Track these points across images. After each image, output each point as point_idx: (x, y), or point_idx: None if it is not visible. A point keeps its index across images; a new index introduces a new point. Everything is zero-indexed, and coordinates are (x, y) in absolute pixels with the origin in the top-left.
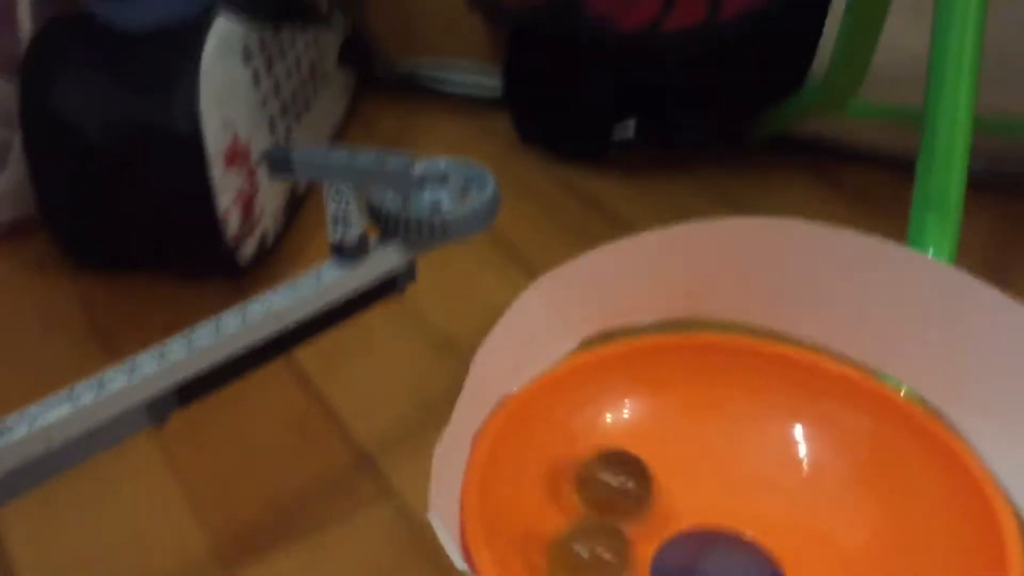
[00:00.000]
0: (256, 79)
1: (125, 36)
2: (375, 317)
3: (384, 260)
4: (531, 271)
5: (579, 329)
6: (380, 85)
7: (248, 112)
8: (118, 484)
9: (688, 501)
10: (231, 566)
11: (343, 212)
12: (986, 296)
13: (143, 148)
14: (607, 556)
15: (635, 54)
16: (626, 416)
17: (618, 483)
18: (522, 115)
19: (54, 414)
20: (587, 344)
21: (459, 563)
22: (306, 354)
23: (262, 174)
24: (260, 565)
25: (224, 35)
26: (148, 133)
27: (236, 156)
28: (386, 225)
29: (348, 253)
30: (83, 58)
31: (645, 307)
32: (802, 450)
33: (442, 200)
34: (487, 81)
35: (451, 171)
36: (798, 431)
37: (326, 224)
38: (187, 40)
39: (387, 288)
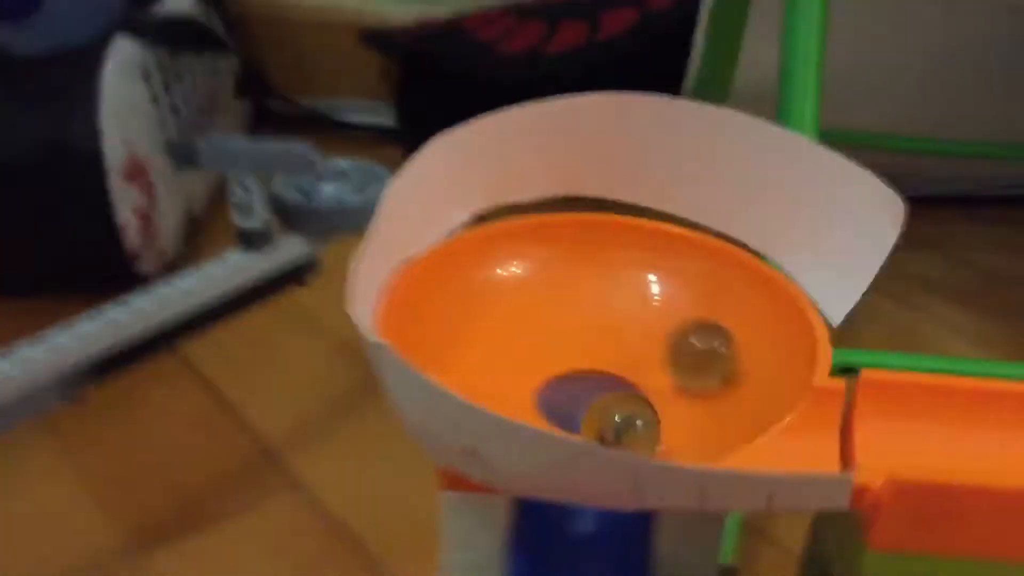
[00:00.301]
0: (155, 99)
1: (25, 60)
2: (273, 322)
3: (288, 250)
4: None
5: (471, 202)
6: (277, 119)
7: (147, 130)
8: (21, 485)
9: (565, 346)
10: (139, 554)
11: (246, 201)
12: (822, 157)
13: (45, 164)
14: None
15: (519, 82)
16: (514, 273)
17: None
18: (415, 147)
19: None
20: (478, 219)
21: (367, 333)
22: (207, 358)
23: (160, 192)
24: (170, 553)
25: (123, 55)
26: (49, 149)
27: (135, 172)
28: (290, 217)
29: (253, 241)
30: None
31: (530, 184)
32: (655, 290)
33: (343, 193)
34: (382, 115)
35: (350, 169)
36: (652, 278)
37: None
38: (87, 60)
39: (290, 279)
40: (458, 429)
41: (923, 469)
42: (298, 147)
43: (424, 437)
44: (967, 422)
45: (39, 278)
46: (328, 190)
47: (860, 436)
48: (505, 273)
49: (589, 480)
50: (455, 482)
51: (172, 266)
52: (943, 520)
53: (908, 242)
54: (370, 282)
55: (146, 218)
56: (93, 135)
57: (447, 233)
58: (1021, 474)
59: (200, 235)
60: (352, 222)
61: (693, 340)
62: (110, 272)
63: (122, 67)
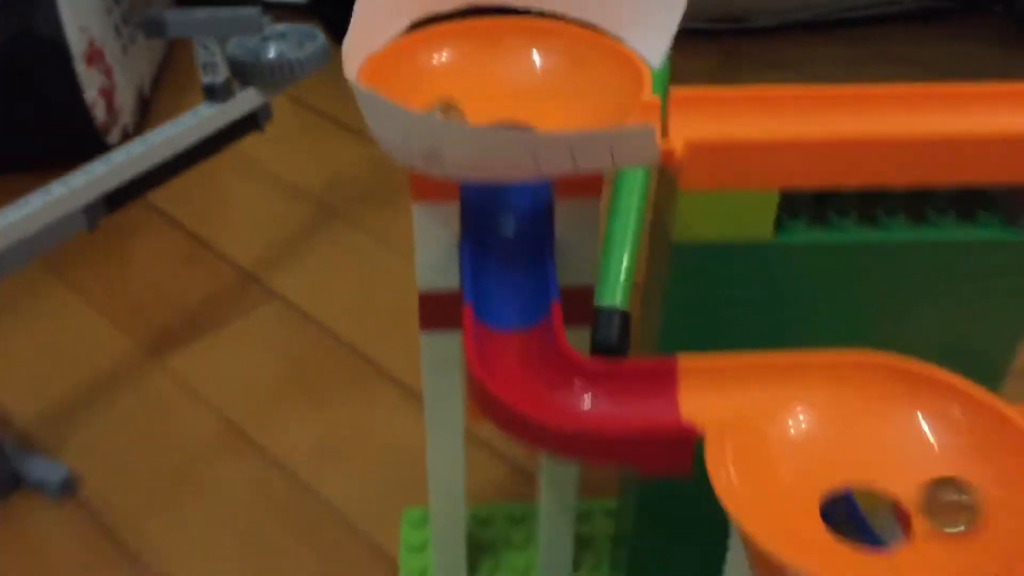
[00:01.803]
0: None
1: None
2: (225, 173)
3: (246, 100)
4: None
5: (410, 12)
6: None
7: (98, 19)
8: (41, 316)
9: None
10: (155, 358)
11: (210, 60)
12: None
13: (17, 56)
14: None
15: None
16: (443, 61)
17: None
18: (330, 19)
19: (7, 217)
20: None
21: (350, 73)
22: (176, 206)
23: (117, 73)
24: (181, 355)
25: None
26: (19, 42)
27: (94, 56)
28: (244, 74)
29: (218, 95)
30: None
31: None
32: (539, 63)
33: (286, 51)
34: None
35: (288, 31)
36: (536, 53)
37: (198, 76)
38: None
39: (250, 124)
40: (421, 136)
41: (712, 135)
42: (247, 11)
43: (396, 151)
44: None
45: (21, 156)
46: (273, 49)
47: (672, 128)
48: (437, 61)
49: (497, 156)
50: (422, 194)
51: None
52: (727, 168)
53: (766, 64)
54: (350, 68)
55: (108, 96)
56: (57, 25)
57: (395, 35)
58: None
59: (150, 111)
60: (295, 74)
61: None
62: (84, 147)
63: None
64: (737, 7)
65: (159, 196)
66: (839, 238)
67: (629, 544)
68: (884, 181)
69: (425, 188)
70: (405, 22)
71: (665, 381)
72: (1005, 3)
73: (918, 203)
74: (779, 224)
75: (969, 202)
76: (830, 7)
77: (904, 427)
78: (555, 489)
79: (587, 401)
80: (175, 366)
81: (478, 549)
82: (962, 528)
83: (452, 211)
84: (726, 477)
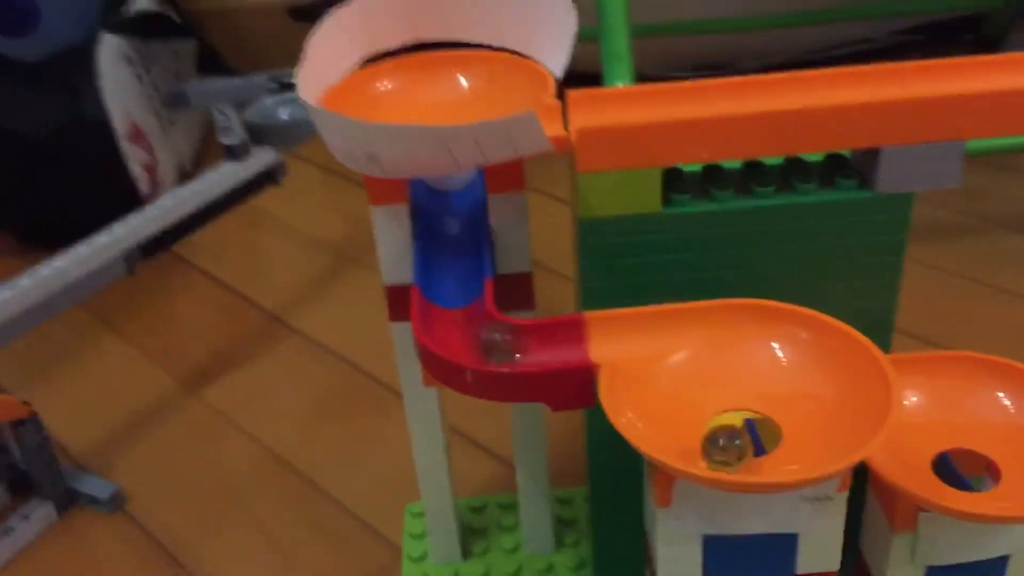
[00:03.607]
0: (140, 79)
1: (31, 64)
2: (262, 235)
3: (261, 157)
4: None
5: (358, 50)
6: None
7: (138, 103)
8: (86, 358)
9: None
10: (194, 391)
11: (227, 124)
12: None
13: (68, 139)
14: None
15: None
16: (392, 90)
17: None
18: None
19: (51, 267)
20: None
21: (305, 96)
22: (215, 266)
23: (158, 149)
24: (216, 388)
25: (110, 48)
26: (70, 127)
27: (136, 135)
28: (260, 135)
29: (236, 154)
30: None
31: (391, 37)
32: (465, 84)
33: (295, 111)
34: None
35: (297, 96)
36: (462, 76)
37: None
38: (84, 55)
39: (267, 179)
40: (359, 139)
41: (600, 122)
42: (258, 79)
43: (344, 155)
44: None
45: (72, 229)
46: (285, 111)
47: (571, 121)
48: (383, 88)
49: (420, 151)
50: (377, 198)
51: None
52: (614, 150)
53: None
54: (306, 93)
55: (151, 170)
56: (101, 110)
57: (349, 69)
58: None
59: None
60: (306, 133)
61: None
62: None
63: (112, 57)
64: (720, 53)
65: (199, 255)
66: (720, 207)
67: (591, 501)
68: (753, 153)
69: (379, 193)
70: (357, 58)
71: (577, 332)
72: (972, 31)
73: (787, 175)
74: (668, 199)
75: (831, 170)
76: (810, 47)
77: (765, 353)
78: (530, 475)
79: (516, 352)
80: (212, 398)
81: (472, 533)
82: (733, 466)
83: (404, 211)
84: (615, 403)
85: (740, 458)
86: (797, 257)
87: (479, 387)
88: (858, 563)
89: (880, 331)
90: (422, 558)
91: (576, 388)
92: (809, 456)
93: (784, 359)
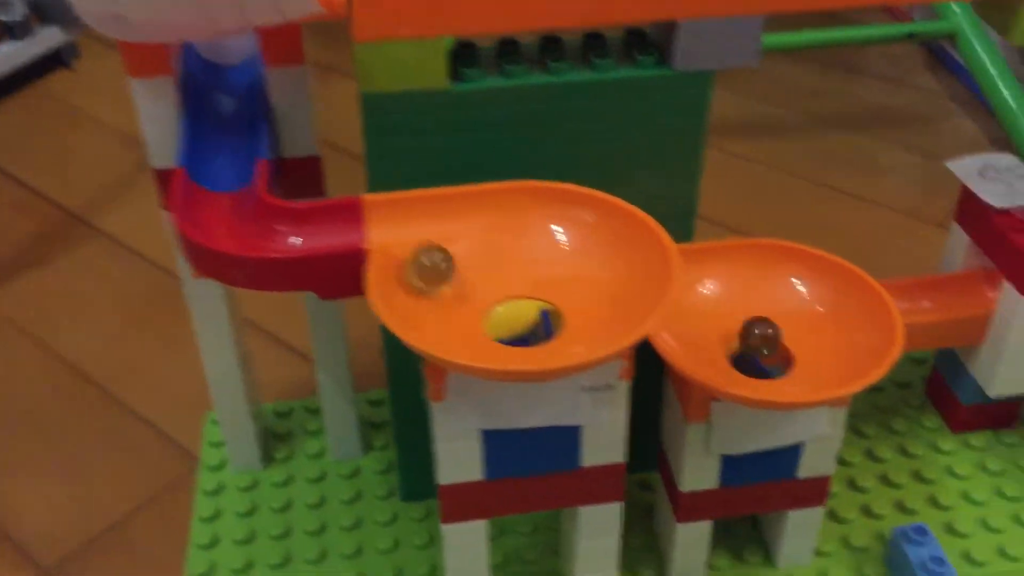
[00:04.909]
0: None
1: None
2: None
3: (48, 37)
4: None
5: None
6: None
7: None
8: None
9: None
10: None
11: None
12: None
13: None
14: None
15: None
16: None
17: None
18: None
19: None
20: None
21: None
22: (6, 157)
23: None
24: (7, 295)
25: None
26: None
27: None
28: (47, 13)
29: (16, 32)
30: None
31: None
32: None
33: None
34: None
35: None
36: None
37: None
38: None
39: (54, 62)
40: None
41: None
42: None
43: (92, 18)
44: None
45: None
46: None
47: None
48: None
49: (171, 12)
50: (138, 70)
51: None
52: (390, 16)
53: None
54: None
55: None
56: None
57: None
58: None
59: None
60: None
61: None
62: None
63: None
64: None
65: None
66: (512, 83)
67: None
68: (545, 22)
69: (139, 63)
70: None
71: (353, 217)
72: None
73: (585, 50)
74: (458, 74)
75: (629, 47)
76: None
77: (548, 237)
78: (331, 376)
79: (286, 237)
80: (16, 297)
81: (277, 439)
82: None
83: (170, 85)
84: (384, 291)
85: (439, 279)
86: (597, 139)
87: (244, 276)
88: (660, 455)
89: (683, 218)
90: (220, 467)
91: (348, 275)
92: (589, 341)
93: (567, 243)
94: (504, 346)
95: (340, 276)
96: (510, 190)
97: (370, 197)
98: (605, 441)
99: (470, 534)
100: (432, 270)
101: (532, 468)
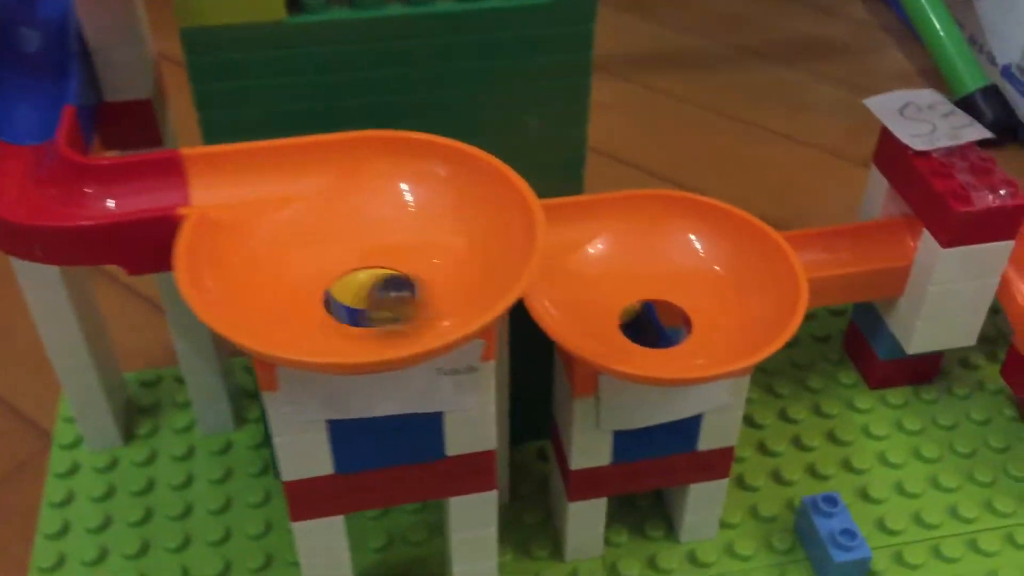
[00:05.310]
0: None
1: None
2: None
3: None
4: None
5: None
6: None
7: None
8: None
9: None
10: None
11: None
12: None
13: None
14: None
15: None
16: None
17: None
18: None
19: None
20: None
21: None
22: None
23: None
24: None
25: None
26: None
27: None
28: None
29: None
30: None
31: None
32: None
33: None
34: None
35: None
36: None
37: None
38: None
39: None
40: None
41: None
42: None
43: None
44: None
45: None
46: None
47: None
48: None
49: None
50: None
51: None
52: None
53: None
54: None
55: None
56: None
57: None
58: None
59: None
60: None
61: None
62: None
63: None
64: None
65: None
66: (361, 16)
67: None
68: None
69: None
70: None
71: (173, 174)
72: None
73: None
74: (297, 4)
75: None
76: None
77: (396, 197)
78: (189, 342)
79: (94, 200)
80: None
81: (140, 412)
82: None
83: None
84: (195, 264)
85: (404, 313)
86: (464, 81)
87: (41, 249)
88: (552, 429)
89: (571, 167)
90: (74, 445)
91: (159, 246)
92: (448, 317)
93: (415, 203)
94: (343, 329)
95: (158, 246)
96: (354, 141)
97: (189, 151)
98: (471, 428)
99: (325, 532)
100: (397, 301)
101: (390, 459)
